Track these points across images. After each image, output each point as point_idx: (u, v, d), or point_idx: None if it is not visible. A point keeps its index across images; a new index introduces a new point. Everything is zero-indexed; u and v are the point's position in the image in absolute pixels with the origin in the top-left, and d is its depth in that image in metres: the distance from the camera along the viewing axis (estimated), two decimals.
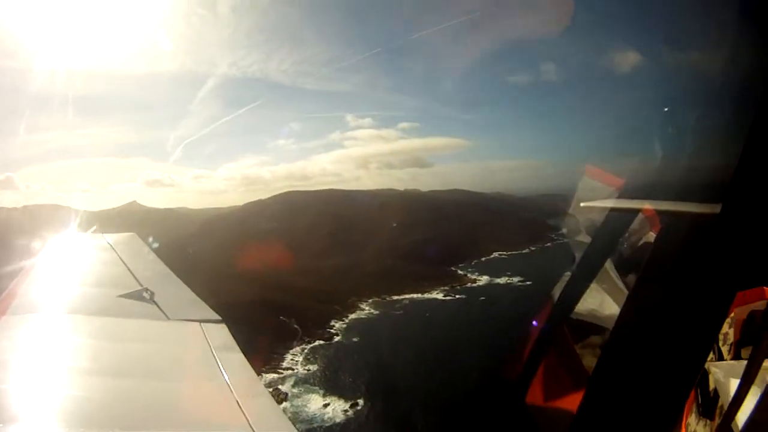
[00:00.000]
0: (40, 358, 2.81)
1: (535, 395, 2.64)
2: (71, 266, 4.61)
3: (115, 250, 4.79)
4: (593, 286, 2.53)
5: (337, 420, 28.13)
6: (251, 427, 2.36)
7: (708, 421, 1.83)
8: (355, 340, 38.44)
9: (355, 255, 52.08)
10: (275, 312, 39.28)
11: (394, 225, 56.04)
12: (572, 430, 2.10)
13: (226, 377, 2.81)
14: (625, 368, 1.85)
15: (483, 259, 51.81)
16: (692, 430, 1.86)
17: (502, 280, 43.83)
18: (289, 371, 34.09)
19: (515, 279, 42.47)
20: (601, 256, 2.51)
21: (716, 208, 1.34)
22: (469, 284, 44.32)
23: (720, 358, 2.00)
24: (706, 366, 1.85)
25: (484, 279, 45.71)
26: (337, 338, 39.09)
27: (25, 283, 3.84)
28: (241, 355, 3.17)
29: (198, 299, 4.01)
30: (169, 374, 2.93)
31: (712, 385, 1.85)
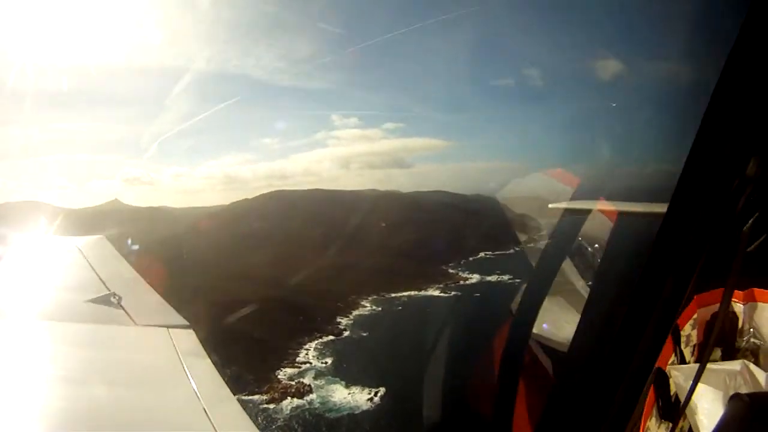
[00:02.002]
0: (1, 364, 2.73)
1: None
2: (37, 270, 4.49)
3: (82, 254, 4.68)
4: (550, 301, 2.51)
5: (364, 407, 28.97)
6: None
7: (669, 424, 1.81)
8: (363, 334, 39.53)
9: (348, 254, 52.58)
10: (281, 309, 39.98)
11: (384, 225, 56.45)
12: None
13: (193, 383, 2.76)
14: (582, 374, 1.84)
15: (471, 258, 52.76)
16: None
17: (492, 278, 44.72)
18: (307, 365, 35.04)
19: (505, 277, 43.20)
20: (558, 259, 2.50)
21: (663, 208, 1.35)
22: (461, 282, 45.42)
23: (682, 360, 1.98)
24: (666, 369, 1.83)
25: (475, 277, 46.75)
26: (345, 333, 40.09)
27: None
28: (209, 361, 3.12)
29: (166, 304, 3.93)
30: (134, 380, 2.86)
31: (673, 389, 1.83)
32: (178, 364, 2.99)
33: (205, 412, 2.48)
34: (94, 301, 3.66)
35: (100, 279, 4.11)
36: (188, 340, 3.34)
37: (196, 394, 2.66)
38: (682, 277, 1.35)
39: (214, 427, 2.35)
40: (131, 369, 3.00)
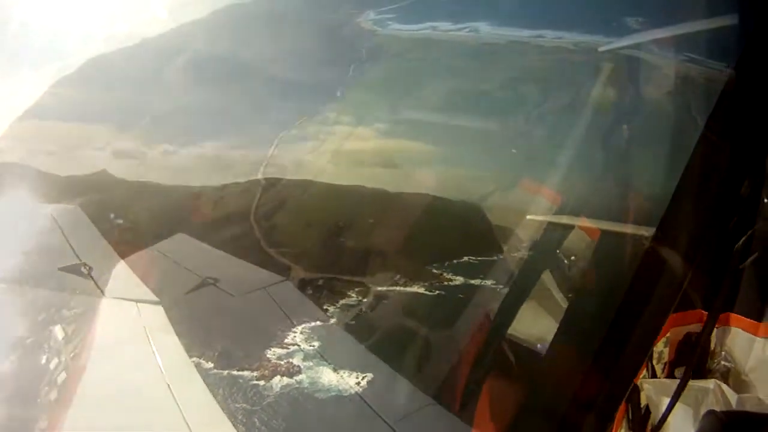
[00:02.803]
0: None
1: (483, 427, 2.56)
2: (8, 234, 4.38)
3: (56, 222, 4.58)
4: (528, 309, 2.51)
5: (353, 391, 29.48)
6: (180, 409, 2.33)
7: None
8: (351, 323, 39.60)
9: (335, 244, 52.58)
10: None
11: (371, 221, 56.46)
12: None
13: (159, 359, 2.77)
14: (557, 380, 1.84)
15: (455, 261, 53.05)
16: None
17: (476, 282, 44.93)
18: (295, 347, 35.15)
19: (488, 282, 43.48)
20: (537, 271, 2.51)
21: (651, 231, 1.38)
22: (446, 282, 45.51)
23: (653, 375, 1.99)
24: (638, 382, 1.83)
25: (459, 279, 46.83)
26: (332, 320, 40.13)
27: None
28: (176, 338, 3.08)
29: (136, 278, 3.87)
30: (99, 353, 2.82)
31: (643, 402, 1.83)
32: (144, 339, 2.98)
33: (169, 388, 2.49)
34: (64, 269, 3.60)
35: (72, 248, 4.04)
36: (156, 316, 3.30)
37: (161, 369, 2.66)
38: (665, 297, 1.35)
39: (177, 403, 2.36)
40: (97, 341, 2.94)
